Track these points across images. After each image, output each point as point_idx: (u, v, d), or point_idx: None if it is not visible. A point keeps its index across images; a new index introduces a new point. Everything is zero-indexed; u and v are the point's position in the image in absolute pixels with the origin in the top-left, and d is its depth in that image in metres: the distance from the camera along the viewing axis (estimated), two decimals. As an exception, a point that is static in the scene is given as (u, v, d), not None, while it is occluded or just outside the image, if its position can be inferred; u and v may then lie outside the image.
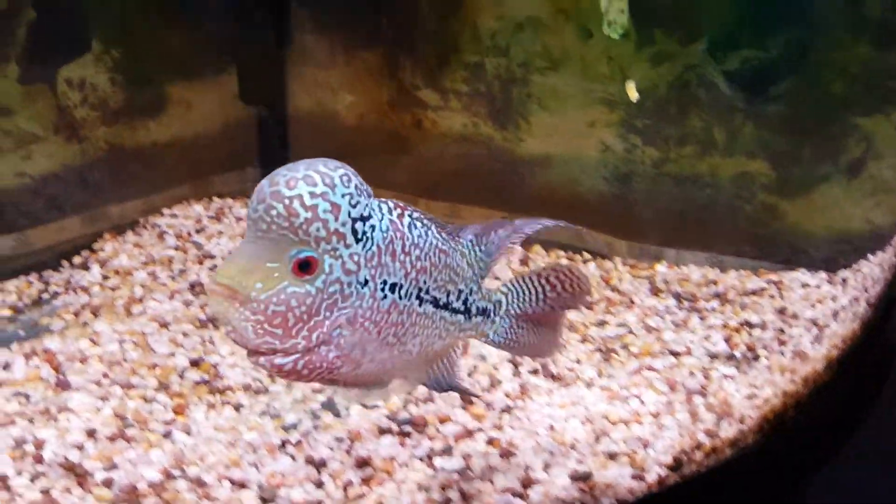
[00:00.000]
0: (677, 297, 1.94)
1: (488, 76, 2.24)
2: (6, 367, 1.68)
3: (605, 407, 1.54)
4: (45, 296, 2.06)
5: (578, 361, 1.73)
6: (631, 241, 2.11)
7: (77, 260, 2.22)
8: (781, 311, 1.84)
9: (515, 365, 1.70)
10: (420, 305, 1.02)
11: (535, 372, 1.68)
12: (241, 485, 1.32)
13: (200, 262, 2.18)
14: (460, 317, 1.09)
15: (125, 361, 1.71)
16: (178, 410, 1.55)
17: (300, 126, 2.73)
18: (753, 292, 1.91)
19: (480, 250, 1.11)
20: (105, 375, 1.66)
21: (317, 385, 1.39)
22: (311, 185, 0.90)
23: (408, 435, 1.47)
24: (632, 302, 1.95)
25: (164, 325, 1.87)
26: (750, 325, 1.80)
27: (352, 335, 0.95)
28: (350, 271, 0.93)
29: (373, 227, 0.95)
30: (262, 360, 0.93)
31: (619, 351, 1.77)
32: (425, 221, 1.04)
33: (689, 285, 1.99)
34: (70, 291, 2.06)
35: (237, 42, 2.58)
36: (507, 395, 1.60)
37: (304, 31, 2.57)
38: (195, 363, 1.71)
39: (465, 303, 1.09)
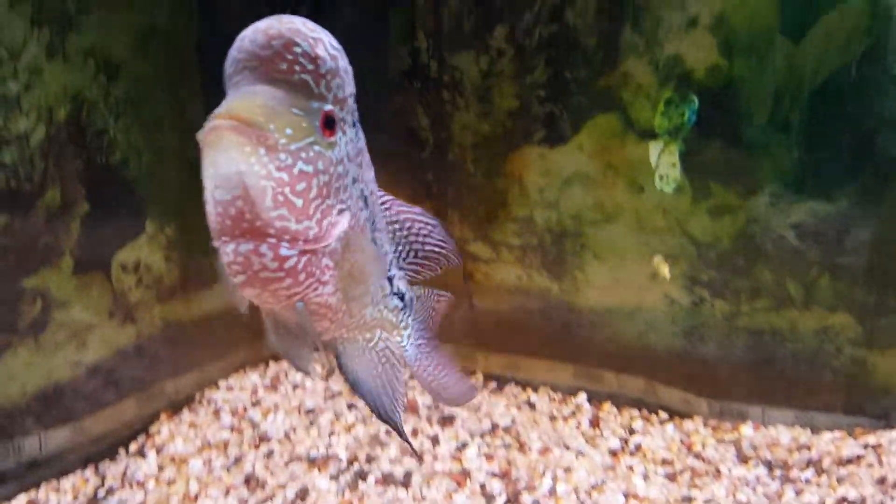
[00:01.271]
0: (768, 465, 1.82)
1: (538, 229, 2.23)
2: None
3: None
4: (101, 492, 2.07)
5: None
6: (710, 399, 2.02)
7: (133, 447, 2.24)
8: (881, 482, 1.70)
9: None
10: (373, 233, 0.87)
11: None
12: None
13: (256, 447, 2.18)
14: (386, 284, 0.94)
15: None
16: None
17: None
18: (850, 460, 1.78)
19: (408, 232, 0.97)
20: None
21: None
22: (329, 37, 0.76)
23: None
24: (718, 472, 1.84)
25: (220, 527, 1.85)
26: (848, 501, 1.67)
27: (341, 244, 0.79)
28: (350, 158, 0.78)
29: (355, 110, 0.80)
30: (262, 247, 0.73)
31: (709, 532, 1.66)
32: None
33: (779, 451, 1.87)
34: (126, 486, 2.06)
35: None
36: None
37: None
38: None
39: (388, 276, 0.95)
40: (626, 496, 1.78)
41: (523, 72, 2.11)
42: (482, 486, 1.90)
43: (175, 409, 2.40)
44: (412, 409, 2.30)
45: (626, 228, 2.02)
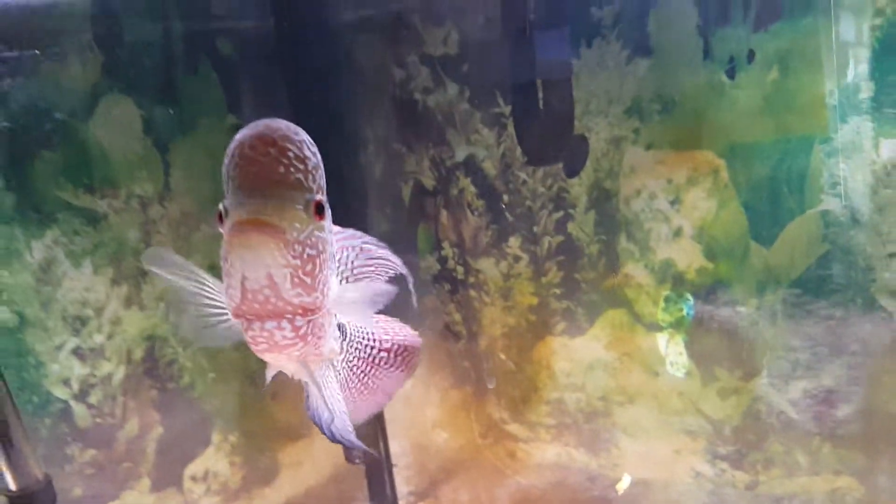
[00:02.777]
0: None
1: (571, 410, 2.53)
2: None
3: None
4: None
5: None
6: (745, 561, 2.24)
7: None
8: None
9: None
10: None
11: None
12: None
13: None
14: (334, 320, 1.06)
15: None
16: None
17: (403, 461, 3.04)
18: None
19: (343, 256, 1.07)
20: None
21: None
22: (305, 134, 0.92)
23: None
24: None
25: None
26: None
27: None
28: (330, 232, 0.95)
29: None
30: (281, 330, 0.90)
31: None
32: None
33: None
34: None
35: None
36: None
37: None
38: None
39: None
40: None
41: (538, 274, 2.48)
42: None
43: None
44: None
45: (648, 409, 2.33)
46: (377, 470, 3.03)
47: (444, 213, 2.65)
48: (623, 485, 2.32)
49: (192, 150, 2.62)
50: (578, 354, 2.42)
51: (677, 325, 2.18)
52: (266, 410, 2.89)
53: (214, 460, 2.68)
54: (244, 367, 2.78)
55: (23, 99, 2.16)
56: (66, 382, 2.27)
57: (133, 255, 2.48)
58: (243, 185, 0.88)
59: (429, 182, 2.64)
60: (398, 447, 3.03)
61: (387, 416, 3.01)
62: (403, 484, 3.05)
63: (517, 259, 2.48)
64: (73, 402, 2.29)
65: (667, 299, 2.18)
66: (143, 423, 2.46)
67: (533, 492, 2.72)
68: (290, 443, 2.94)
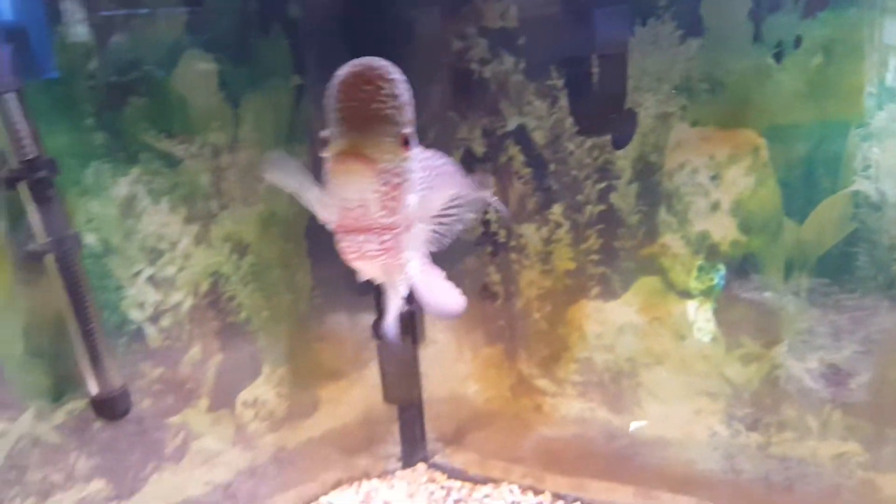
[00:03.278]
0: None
1: (598, 369, 2.66)
2: None
3: None
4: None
5: None
6: (749, 514, 2.37)
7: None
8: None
9: None
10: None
11: None
12: None
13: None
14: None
15: None
16: None
17: (434, 409, 3.20)
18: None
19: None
20: None
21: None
22: (398, 74, 1.04)
23: None
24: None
25: None
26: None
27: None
28: (414, 159, 1.07)
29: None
30: (369, 243, 1.04)
31: None
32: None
33: None
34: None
35: (379, 345, 3.14)
36: None
37: (437, 331, 3.12)
38: None
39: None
40: None
41: (578, 241, 2.60)
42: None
43: (285, 523, 2.82)
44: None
45: (674, 371, 2.44)
46: (409, 413, 3.19)
47: (491, 180, 2.77)
48: (636, 425, 2.44)
49: (260, 105, 2.76)
50: (610, 317, 2.53)
51: (708, 293, 2.29)
52: (311, 351, 3.06)
53: (264, 390, 2.85)
54: (295, 309, 2.94)
55: (117, 51, 2.31)
56: (140, 306, 2.44)
57: (203, 197, 2.64)
58: (345, 118, 1.02)
59: (479, 149, 2.76)
60: (430, 396, 3.18)
61: (422, 367, 3.16)
62: (432, 429, 3.20)
63: (559, 225, 2.60)
64: (146, 325, 2.47)
65: (700, 269, 2.29)
66: (205, 349, 2.63)
67: (555, 443, 2.86)
68: (331, 382, 3.11)
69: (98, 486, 2.44)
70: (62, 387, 2.32)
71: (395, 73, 1.05)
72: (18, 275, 2.20)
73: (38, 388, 2.28)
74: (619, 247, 2.50)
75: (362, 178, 1.02)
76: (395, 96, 1.03)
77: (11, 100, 1.96)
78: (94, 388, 2.23)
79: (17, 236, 2.14)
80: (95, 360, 2.19)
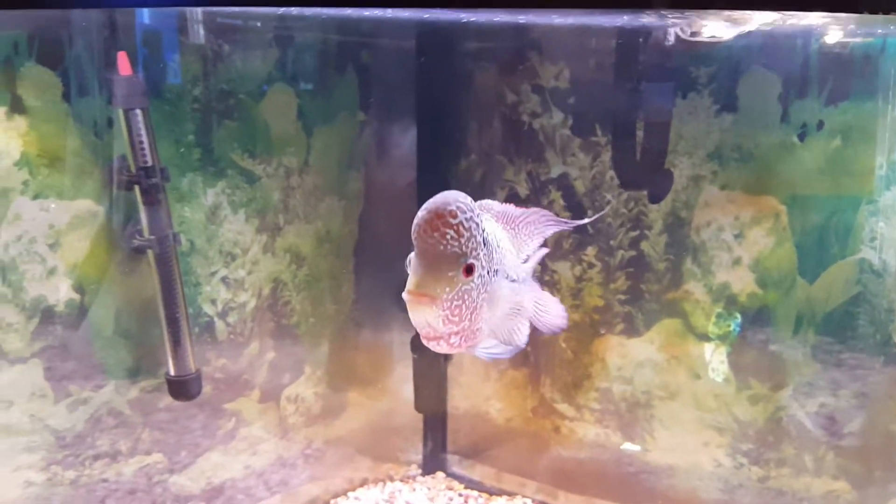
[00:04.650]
0: None
1: (616, 398, 2.83)
2: None
3: None
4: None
5: None
6: (745, 542, 2.52)
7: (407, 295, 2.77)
8: None
9: None
10: (506, 280, 1.28)
11: None
12: None
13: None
14: (516, 285, 1.32)
15: None
16: None
17: (456, 423, 3.35)
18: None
19: (524, 230, 1.35)
20: None
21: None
22: (463, 212, 1.15)
23: None
24: None
25: None
26: None
27: (486, 310, 1.20)
28: (484, 266, 1.18)
29: (486, 231, 1.20)
30: (441, 343, 1.19)
31: None
32: (495, 218, 1.30)
33: None
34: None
35: (415, 359, 3.31)
36: None
37: (463, 355, 3.29)
38: None
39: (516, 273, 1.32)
40: None
41: (608, 281, 2.79)
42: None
43: (314, 510, 2.97)
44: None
45: (686, 405, 2.62)
46: (433, 424, 3.34)
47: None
48: (628, 447, 2.62)
49: (329, 135, 2.99)
50: (632, 352, 2.71)
51: (724, 337, 2.48)
52: (349, 357, 3.24)
53: (304, 388, 3.03)
54: (337, 318, 3.13)
55: (217, 79, 2.55)
56: (213, 303, 2.64)
57: (273, 212, 2.86)
58: (418, 254, 1.18)
59: (523, 191, 2.96)
60: (454, 410, 3.33)
61: (449, 383, 3.32)
62: (453, 441, 3.35)
63: (591, 266, 2.79)
64: (216, 319, 2.66)
65: (718, 315, 2.48)
66: (261, 346, 2.82)
67: (570, 463, 3.01)
68: (362, 387, 3.27)
69: (157, 458, 2.61)
70: (140, 367, 2.51)
71: (462, 212, 1.16)
72: (120, 265, 2.41)
73: (121, 365, 2.48)
74: (645, 289, 2.69)
75: (427, 311, 1.18)
76: (458, 235, 1.15)
77: (138, 116, 2.18)
78: (172, 369, 2.41)
79: (126, 231, 2.36)
80: (177, 345, 2.38)
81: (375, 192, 3.23)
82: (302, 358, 3.05)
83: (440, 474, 3.28)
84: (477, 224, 1.16)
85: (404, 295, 1.20)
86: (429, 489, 3.17)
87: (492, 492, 3.13)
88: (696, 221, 2.53)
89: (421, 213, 1.17)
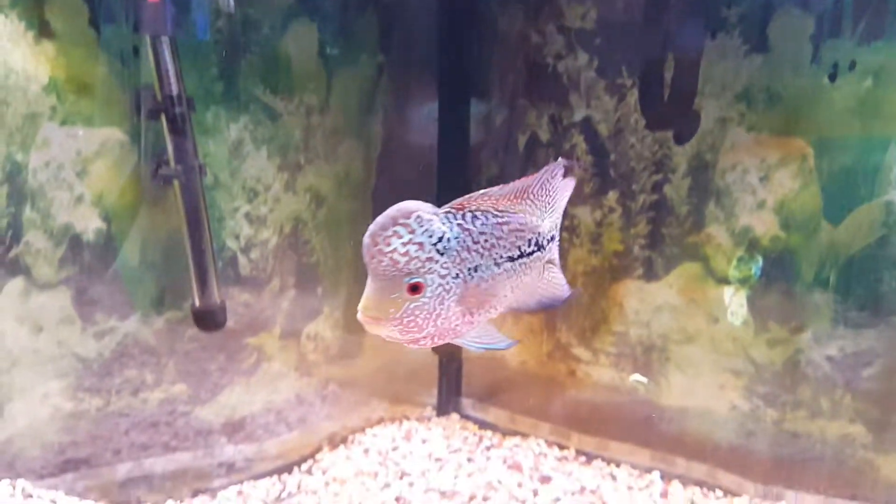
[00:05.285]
0: (798, 534, 2.34)
1: (632, 342, 2.84)
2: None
3: None
4: (284, 494, 2.71)
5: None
6: (757, 483, 2.55)
7: (304, 467, 2.86)
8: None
9: None
10: (499, 268, 1.28)
11: None
12: None
13: (400, 478, 2.78)
14: (537, 253, 1.34)
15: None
16: None
17: (471, 366, 3.38)
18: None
19: (538, 196, 1.32)
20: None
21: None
22: (399, 238, 1.17)
23: None
24: (755, 532, 2.34)
25: (382, 530, 2.45)
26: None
27: (461, 308, 1.23)
28: (444, 275, 1.20)
29: (448, 239, 1.20)
30: (411, 344, 1.24)
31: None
32: (483, 208, 1.26)
33: None
34: (302, 493, 2.69)
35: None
36: None
37: (480, 298, 3.30)
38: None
39: (536, 244, 1.33)
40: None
41: (628, 226, 2.78)
42: (572, 528, 2.45)
43: (332, 445, 3.03)
44: (516, 468, 2.88)
45: (703, 349, 2.62)
46: (449, 367, 3.37)
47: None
48: (637, 378, 2.64)
49: (349, 76, 2.96)
50: (650, 297, 2.71)
51: (744, 281, 2.47)
52: (366, 359, 3.24)
53: (323, 327, 3.06)
54: (355, 261, 3.12)
55: (240, 15, 2.52)
56: (236, 238, 2.65)
57: (294, 150, 2.84)
58: (367, 272, 1.24)
59: (544, 135, 2.94)
60: (469, 354, 3.36)
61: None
62: (468, 384, 3.38)
63: (611, 210, 2.78)
64: (239, 255, 2.67)
65: (740, 259, 2.47)
66: (283, 283, 2.83)
67: (584, 406, 3.04)
68: (387, 388, 3.28)
69: (180, 389, 2.65)
70: (165, 298, 2.53)
71: (401, 236, 1.19)
72: (146, 195, 2.41)
73: (146, 296, 2.50)
74: (666, 234, 2.68)
75: (378, 329, 1.23)
76: (395, 263, 1.19)
77: (164, 43, 2.16)
78: (197, 300, 2.44)
79: (152, 161, 2.36)
80: (203, 276, 2.40)
81: (395, 137, 3.21)
82: (321, 297, 3.07)
83: (455, 416, 3.32)
84: (422, 243, 1.19)
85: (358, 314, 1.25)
86: (444, 429, 3.21)
87: (506, 433, 3.18)
88: (721, 164, 2.51)
89: (366, 234, 1.21)
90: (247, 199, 2.70)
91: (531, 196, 1.33)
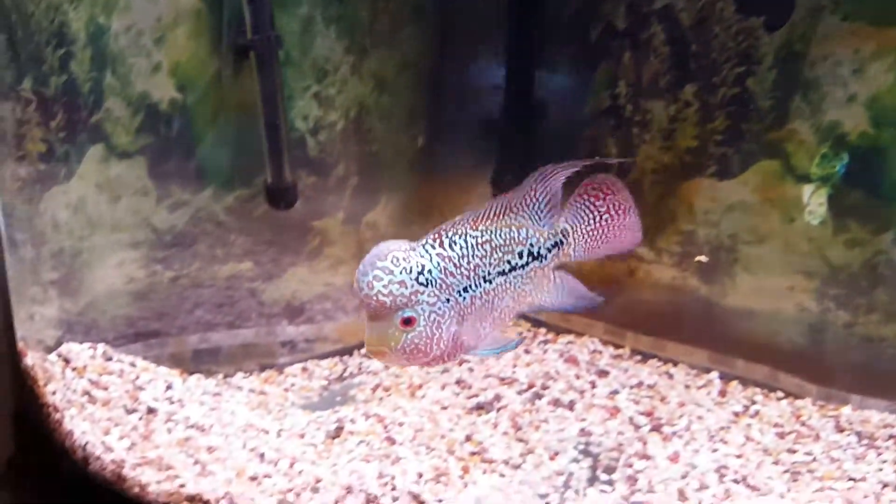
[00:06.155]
0: (858, 435, 2.33)
1: (699, 242, 2.83)
2: (352, 421, 2.40)
3: (796, 514, 1.98)
4: (346, 374, 2.82)
5: (770, 478, 2.17)
6: (820, 386, 2.57)
7: (364, 350, 2.96)
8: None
9: (721, 475, 2.20)
10: (491, 283, 1.39)
11: (735, 482, 2.17)
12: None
13: (460, 364, 2.86)
14: (534, 262, 1.43)
15: (423, 430, 2.36)
16: (465, 470, 2.16)
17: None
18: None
19: (526, 207, 1.42)
20: (413, 438, 2.31)
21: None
22: (380, 280, 1.28)
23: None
24: (818, 436, 2.35)
25: (444, 407, 2.53)
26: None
27: (461, 327, 1.35)
28: (433, 303, 1.31)
29: (430, 270, 1.31)
30: (425, 367, 1.51)
31: (805, 474, 2.19)
32: (460, 232, 1.37)
33: (869, 426, 2.37)
34: (363, 373, 2.80)
35: (494, 193, 3.31)
36: (714, 497, 2.09)
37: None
38: (468, 438, 2.34)
39: (530, 254, 1.42)
40: (747, 439, 2.37)
41: (705, 121, 2.72)
42: (630, 418, 2.49)
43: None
44: (573, 361, 2.94)
45: (774, 249, 2.60)
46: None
47: (627, 55, 2.86)
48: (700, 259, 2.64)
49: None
50: (722, 195, 2.68)
51: (826, 179, 2.42)
52: (423, 189, 3.24)
53: (380, 217, 3.09)
54: (412, 150, 3.13)
55: None
56: (305, 119, 2.66)
57: (361, 33, 2.81)
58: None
59: (620, 24, 2.85)
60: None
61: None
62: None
63: (688, 104, 2.72)
64: (307, 136, 2.69)
65: (823, 156, 2.41)
66: (347, 168, 2.86)
67: (643, 305, 3.05)
68: (436, 221, 3.29)
69: (247, 266, 2.73)
70: (237, 174, 2.58)
71: (380, 278, 1.30)
72: (222, 67, 2.42)
73: (218, 171, 2.55)
74: (745, 129, 2.62)
75: (384, 361, 1.42)
76: (380, 302, 1.30)
77: None
78: (270, 177, 2.47)
79: (229, 30, 2.35)
80: (276, 153, 2.43)
81: (458, 25, 3.15)
82: (380, 187, 3.09)
83: (508, 313, 3.36)
84: (403, 280, 1.29)
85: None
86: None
87: (559, 331, 3.22)
88: (811, 55, 2.42)
89: (354, 279, 1.34)
90: (316, 79, 2.70)
91: (517, 209, 1.42)
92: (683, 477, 2.16)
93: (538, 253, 1.44)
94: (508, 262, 1.42)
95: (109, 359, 2.36)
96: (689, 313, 2.90)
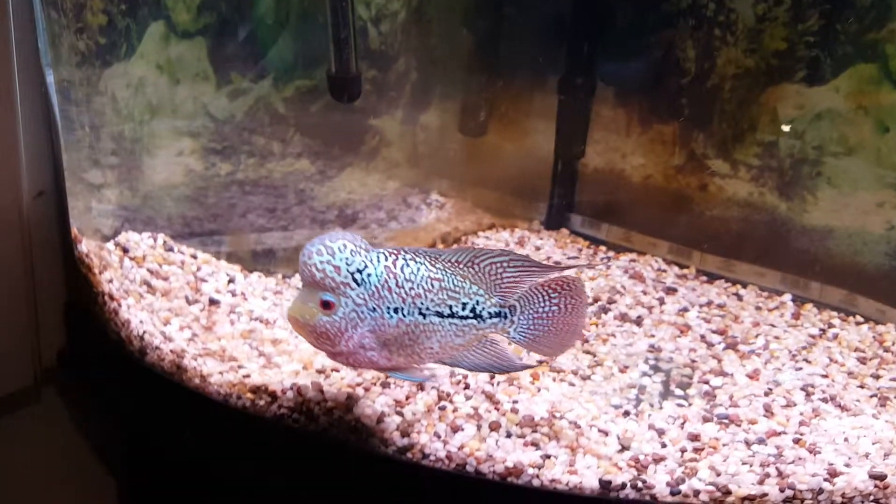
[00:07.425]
0: (945, 362, 2.33)
1: (781, 154, 2.76)
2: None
3: (892, 434, 1.97)
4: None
5: (858, 401, 2.17)
6: (905, 312, 2.53)
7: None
8: None
9: (808, 393, 2.20)
10: (424, 318, 1.49)
11: (824, 400, 2.17)
12: (605, 433, 1.86)
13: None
14: (472, 321, 1.53)
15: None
16: (535, 376, 2.12)
17: (587, 178, 3.36)
18: None
19: (487, 271, 1.52)
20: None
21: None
22: (320, 255, 1.43)
23: (726, 426, 2.01)
24: (903, 362, 2.36)
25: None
26: None
27: (377, 341, 1.49)
28: (358, 304, 1.46)
29: (369, 274, 1.45)
30: (332, 359, 1.57)
31: (893, 399, 2.20)
32: (417, 259, 1.48)
33: None
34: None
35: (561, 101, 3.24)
36: (802, 414, 2.10)
37: (607, 106, 3.21)
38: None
39: (473, 311, 1.52)
40: (830, 360, 2.36)
41: (796, 21, 2.61)
42: (702, 336, 2.47)
43: (446, 244, 3.10)
44: (639, 277, 2.92)
45: (865, 162, 2.52)
46: (563, 179, 3.35)
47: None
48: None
49: None
50: (810, 102, 2.59)
51: (931, 83, 2.33)
52: (481, 94, 3.16)
53: (433, 118, 3.04)
54: (477, 49, 3.04)
55: None
56: (367, 5, 2.59)
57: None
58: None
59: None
60: (585, 167, 3.32)
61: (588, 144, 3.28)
62: (580, 201, 3.37)
63: (779, 3, 2.61)
64: (369, 25, 2.63)
65: (928, 59, 2.32)
66: (407, 64, 2.80)
67: (713, 223, 3.00)
68: (497, 130, 3.24)
69: (304, 164, 2.72)
70: (299, 62, 2.54)
71: (321, 255, 1.46)
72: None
73: (279, 59, 2.50)
74: (841, 30, 2.52)
75: (296, 330, 1.53)
76: (312, 276, 1.46)
77: None
78: (333, 67, 2.43)
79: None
80: (341, 41, 2.37)
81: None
82: (438, 85, 3.03)
83: (564, 231, 3.34)
84: (338, 267, 1.43)
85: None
86: (555, 240, 3.26)
87: (619, 250, 3.19)
88: (927, -52, 2.30)
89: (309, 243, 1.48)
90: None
91: (478, 267, 1.53)
92: (767, 394, 2.14)
93: (479, 313, 1.54)
94: (450, 307, 1.51)
95: (170, 249, 2.38)
96: (763, 232, 2.86)
